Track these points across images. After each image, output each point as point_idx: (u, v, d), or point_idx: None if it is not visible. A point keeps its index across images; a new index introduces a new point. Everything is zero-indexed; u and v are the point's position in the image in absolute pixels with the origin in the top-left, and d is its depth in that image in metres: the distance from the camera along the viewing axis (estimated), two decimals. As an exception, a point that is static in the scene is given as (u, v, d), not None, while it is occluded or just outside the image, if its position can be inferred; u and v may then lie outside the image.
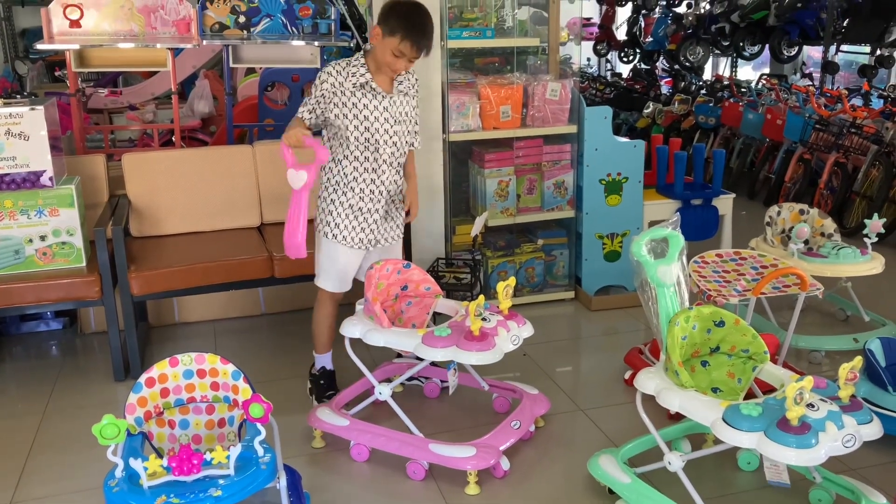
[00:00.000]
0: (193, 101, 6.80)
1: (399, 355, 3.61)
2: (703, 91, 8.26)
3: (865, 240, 3.81)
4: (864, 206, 5.80)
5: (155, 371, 2.54)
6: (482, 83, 4.22)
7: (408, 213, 3.35)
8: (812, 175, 6.31)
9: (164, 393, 2.56)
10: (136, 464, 2.18)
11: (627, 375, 3.61)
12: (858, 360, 2.37)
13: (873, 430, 2.31)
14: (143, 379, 2.52)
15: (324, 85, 3.08)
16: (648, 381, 2.61)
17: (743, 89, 8.03)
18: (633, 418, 3.31)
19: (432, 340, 2.79)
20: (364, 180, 3.18)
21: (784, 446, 2.20)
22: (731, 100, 7.53)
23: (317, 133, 3.20)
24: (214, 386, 2.60)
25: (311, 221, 3.12)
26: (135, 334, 3.70)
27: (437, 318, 3.22)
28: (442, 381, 3.49)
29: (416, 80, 3.29)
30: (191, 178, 4.18)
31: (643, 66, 10.74)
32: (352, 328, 3.00)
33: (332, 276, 3.29)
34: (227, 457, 2.22)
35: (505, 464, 2.87)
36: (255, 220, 4.31)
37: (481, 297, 2.83)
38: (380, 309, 2.93)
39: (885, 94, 7.05)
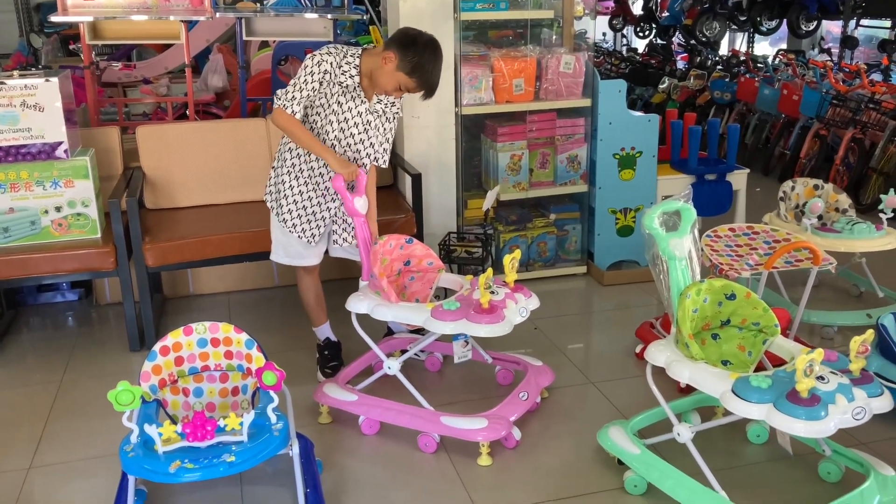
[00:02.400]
0: (207, 76, 6.80)
1: (389, 331, 3.63)
2: (719, 66, 8.17)
3: (881, 215, 3.78)
4: (880, 182, 5.75)
5: (169, 339, 2.58)
6: (495, 56, 4.20)
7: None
8: (828, 151, 6.25)
9: (179, 361, 2.60)
10: (150, 430, 2.21)
11: (639, 349, 3.61)
12: (870, 334, 2.36)
13: (884, 404, 2.31)
14: (157, 347, 2.55)
15: (321, 66, 3.00)
16: (659, 353, 2.62)
17: (759, 65, 7.95)
18: (644, 391, 3.32)
19: (442, 314, 2.80)
20: (324, 176, 3.18)
21: (793, 418, 2.20)
22: (748, 75, 7.45)
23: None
24: (228, 354, 2.63)
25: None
26: (150, 305, 3.74)
27: (440, 292, 3.24)
28: (443, 355, 3.52)
29: (400, 106, 3.26)
30: (205, 150, 4.19)
31: (659, 41, 10.64)
32: (358, 304, 3.01)
33: (281, 252, 3.35)
34: (241, 423, 2.26)
35: (517, 434, 2.89)
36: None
37: (490, 270, 2.84)
38: (387, 284, 2.94)
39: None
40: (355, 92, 3.08)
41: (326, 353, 3.46)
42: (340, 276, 4.40)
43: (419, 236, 4.04)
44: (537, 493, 2.67)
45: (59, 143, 3.59)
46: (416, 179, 3.98)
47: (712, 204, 4.86)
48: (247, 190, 4.26)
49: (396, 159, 4.31)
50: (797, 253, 3.33)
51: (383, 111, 3.19)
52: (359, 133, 3.15)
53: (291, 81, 3.04)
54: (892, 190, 3.83)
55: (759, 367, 2.68)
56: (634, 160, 4.51)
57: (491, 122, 4.39)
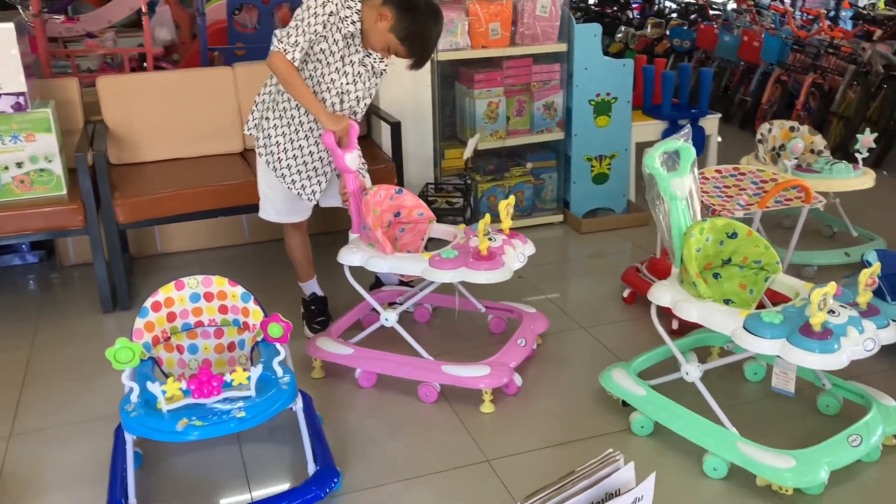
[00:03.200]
0: (154, 29, 6.50)
1: (378, 283, 3.55)
2: (676, 14, 8.16)
3: (857, 155, 3.82)
4: (841, 126, 5.84)
5: (160, 295, 2.46)
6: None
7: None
8: (789, 97, 6.31)
9: (171, 317, 2.48)
10: (153, 387, 2.11)
11: (626, 294, 3.61)
12: (877, 267, 2.38)
13: (891, 335, 2.34)
14: (148, 303, 2.43)
15: (327, 7, 2.80)
16: (664, 293, 2.60)
17: (717, 11, 7.95)
18: (635, 334, 3.35)
19: (440, 263, 2.73)
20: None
21: (807, 352, 2.21)
22: (706, 23, 7.46)
23: None
24: (223, 309, 2.53)
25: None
26: (121, 264, 3.58)
27: (431, 243, 3.16)
28: (432, 307, 3.46)
29: (388, 63, 3.10)
30: (170, 102, 4.00)
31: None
32: (351, 256, 2.91)
33: (270, 209, 3.22)
34: (248, 378, 2.17)
35: (518, 380, 2.86)
36: (237, 145, 4.17)
37: (487, 216, 2.77)
38: (382, 235, 2.85)
39: (864, 12, 7.03)
40: (354, 41, 2.93)
41: (313, 307, 3.37)
42: (318, 231, 4.29)
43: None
44: (543, 438, 2.65)
45: (20, 94, 3.36)
46: (396, 128, 3.87)
47: (685, 149, 4.85)
48: (216, 142, 4.10)
49: (372, 108, 4.19)
50: (786, 192, 3.34)
51: (372, 66, 3.05)
52: (348, 83, 3.01)
53: (292, 23, 2.84)
54: (867, 130, 3.87)
55: (759, 306, 2.69)
56: (610, 106, 4.46)
57: (466, 68, 4.28)
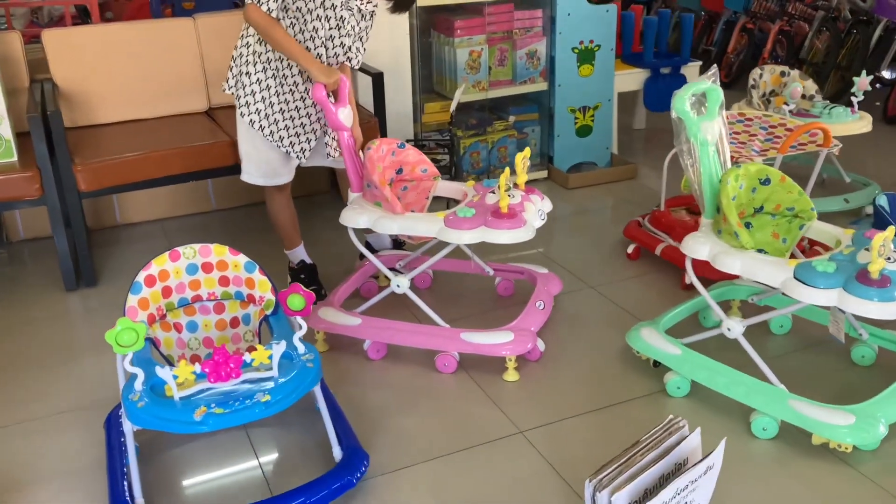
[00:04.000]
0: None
1: (369, 247, 3.28)
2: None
3: (853, 98, 3.72)
4: (811, 73, 5.77)
5: (154, 268, 2.18)
6: (450, -60, 3.81)
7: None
8: (755, 45, 6.22)
9: (167, 292, 2.21)
10: (163, 372, 1.85)
11: (631, 249, 3.45)
12: (930, 208, 2.26)
13: (945, 279, 2.23)
14: (141, 278, 2.15)
15: None
16: (700, 246, 2.43)
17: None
18: (645, 291, 3.20)
19: (457, 223, 2.51)
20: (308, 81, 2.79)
21: (866, 300, 2.08)
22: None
23: None
24: (223, 281, 2.26)
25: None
26: (85, 237, 3.24)
27: (435, 202, 2.94)
28: (433, 271, 3.23)
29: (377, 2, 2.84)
30: (126, 57, 3.63)
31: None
32: (356, 217, 2.66)
33: (257, 168, 2.93)
34: (270, 357, 1.92)
35: (541, 345, 2.68)
36: (201, 103, 3.83)
37: (507, 169, 2.56)
38: (391, 193, 2.61)
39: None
40: None
41: (303, 276, 3.11)
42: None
43: (383, 144, 3.69)
44: (574, 405, 2.47)
45: (-41, 48, 2.98)
46: (378, 79, 3.60)
47: (667, 98, 4.66)
48: (178, 101, 3.76)
49: (348, 60, 3.90)
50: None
51: (359, 8, 2.79)
52: (331, 28, 2.75)
53: None
54: (863, 72, 3.77)
55: (791, 255, 2.56)
56: (593, 54, 4.26)
57: (445, 16, 4.02)
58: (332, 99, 2.75)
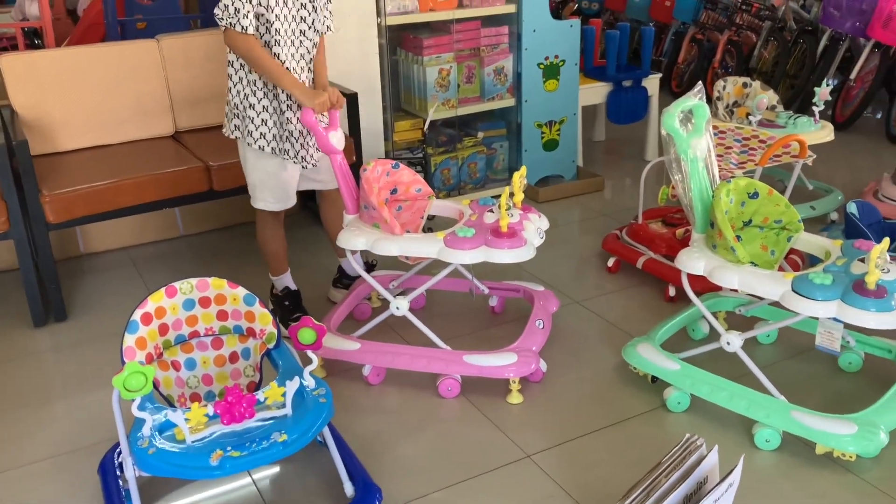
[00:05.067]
0: (24, 4, 5.81)
1: (342, 274, 3.26)
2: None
3: (814, 108, 3.83)
4: (763, 83, 5.91)
5: (150, 305, 2.10)
6: (417, -41, 3.79)
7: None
8: (705, 55, 6.35)
9: (163, 330, 2.13)
10: (175, 416, 1.78)
11: (611, 263, 3.47)
12: (917, 218, 2.32)
13: (935, 288, 2.29)
14: (137, 316, 2.07)
15: None
16: (695, 261, 2.46)
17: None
18: (629, 304, 3.23)
19: (458, 242, 2.49)
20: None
21: (864, 311, 2.13)
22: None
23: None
24: (222, 315, 2.19)
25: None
26: (54, 270, 3.11)
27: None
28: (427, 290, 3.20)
29: None
30: (88, 81, 3.51)
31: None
32: (354, 240, 2.62)
33: (271, 193, 2.86)
34: (284, 394, 1.86)
35: (543, 366, 2.67)
36: (167, 127, 3.72)
37: (507, 188, 2.55)
38: (389, 214, 2.58)
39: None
40: None
41: (287, 303, 3.04)
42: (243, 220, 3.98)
43: (357, 163, 3.64)
44: (578, 425, 2.47)
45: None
46: (352, 100, 3.56)
47: (630, 111, 4.79)
48: (145, 125, 3.65)
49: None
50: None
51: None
52: (299, 23, 2.71)
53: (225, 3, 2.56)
54: (824, 82, 3.88)
55: (779, 268, 2.60)
56: (558, 69, 4.30)
57: (413, 34, 4.00)
58: (324, 122, 2.71)
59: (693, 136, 2.48)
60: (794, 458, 2.29)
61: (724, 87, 4.07)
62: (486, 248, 2.48)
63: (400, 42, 4.10)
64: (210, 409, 1.80)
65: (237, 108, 2.75)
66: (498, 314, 3.12)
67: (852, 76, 5.36)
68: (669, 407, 2.51)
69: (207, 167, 3.32)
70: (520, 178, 2.59)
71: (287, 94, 2.69)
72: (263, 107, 2.72)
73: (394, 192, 2.83)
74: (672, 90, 6.44)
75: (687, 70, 6.44)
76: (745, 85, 4.10)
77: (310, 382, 1.97)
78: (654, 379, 2.60)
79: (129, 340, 2.03)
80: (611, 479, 2.22)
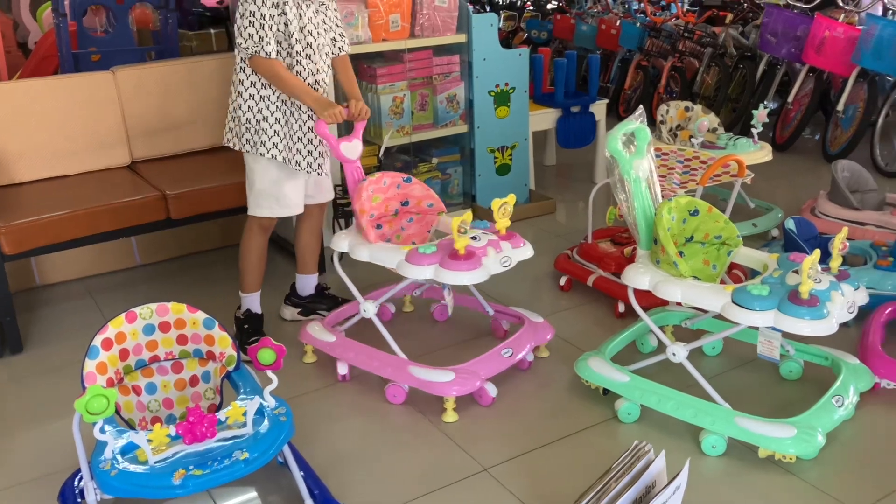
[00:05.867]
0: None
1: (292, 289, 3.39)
2: (531, 6, 8.31)
3: (753, 130, 4.01)
4: (705, 107, 6.13)
5: (110, 330, 2.13)
6: (369, -9, 3.90)
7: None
8: (651, 81, 6.57)
9: (124, 355, 2.16)
10: (137, 437, 1.82)
11: (563, 282, 3.58)
12: (845, 232, 2.46)
13: (863, 296, 2.43)
14: (98, 341, 2.10)
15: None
16: (640, 276, 2.57)
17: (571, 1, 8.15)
18: (582, 321, 3.33)
19: (416, 258, 2.59)
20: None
21: (799, 319, 2.25)
22: (561, 13, 7.63)
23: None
24: (181, 339, 2.24)
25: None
26: (10, 302, 3.11)
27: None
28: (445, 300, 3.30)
29: None
30: (43, 114, 3.52)
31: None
32: (340, 242, 2.85)
33: (274, 204, 2.97)
34: (244, 413, 1.91)
35: (492, 391, 2.71)
36: (124, 157, 3.75)
37: (467, 213, 2.65)
38: (366, 222, 2.75)
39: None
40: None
41: (247, 326, 3.08)
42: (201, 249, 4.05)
43: (313, 191, 3.71)
44: (533, 438, 2.54)
45: None
46: (307, 128, 3.62)
47: (579, 136, 4.93)
48: (100, 156, 3.68)
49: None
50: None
51: (327, 4, 2.96)
52: (318, 38, 2.90)
53: (243, 21, 2.73)
54: (761, 105, 4.06)
55: (721, 281, 2.72)
56: (508, 96, 4.43)
57: (367, 63, 4.09)
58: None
59: (635, 157, 2.60)
60: (738, 462, 2.39)
61: (668, 112, 4.24)
62: (439, 267, 2.56)
63: (355, 71, 4.18)
64: (172, 430, 1.84)
65: (249, 123, 2.88)
66: (500, 338, 3.13)
67: (790, 99, 5.60)
68: (620, 417, 2.61)
69: (164, 196, 3.35)
70: (499, 206, 2.66)
71: (300, 106, 2.88)
72: (276, 119, 2.87)
73: (405, 203, 2.99)
74: (620, 115, 6.64)
75: (633, 95, 6.65)
76: (687, 109, 4.27)
77: (270, 402, 2.02)
78: (606, 391, 2.70)
79: (90, 366, 2.06)
80: (566, 490, 2.29)
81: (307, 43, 2.83)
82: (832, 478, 2.32)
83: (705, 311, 2.80)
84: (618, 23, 6.78)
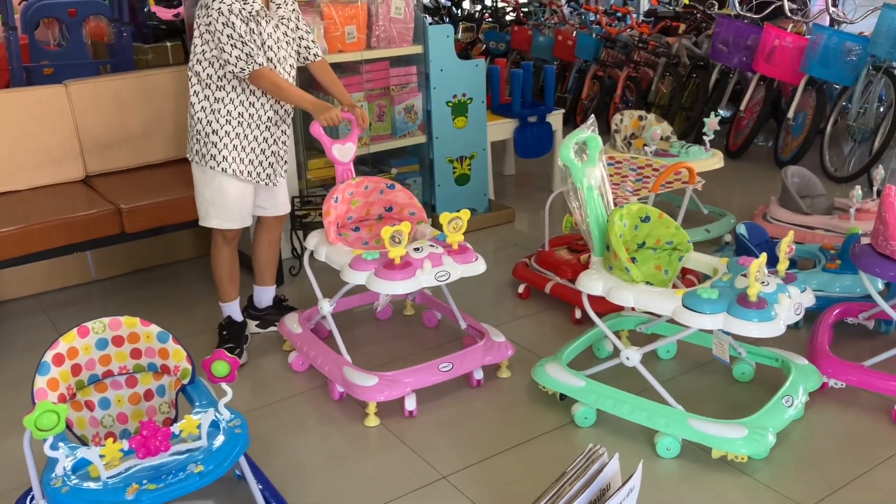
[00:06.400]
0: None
1: (249, 301, 3.40)
2: (489, 18, 8.37)
3: (704, 137, 4.09)
4: (658, 116, 6.23)
5: (62, 345, 2.11)
6: (325, 2, 3.91)
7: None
8: (607, 91, 6.66)
9: (76, 370, 2.14)
10: (89, 453, 1.80)
11: (521, 289, 3.61)
12: (791, 236, 2.52)
13: (810, 298, 2.49)
14: (49, 357, 2.08)
15: (232, 7, 2.74)
16: (594, 282, 2.60)
17: (526, 10, 8.21)
18: (540, 328, 3.36)
19: (358, 264, 2.64)
20: (264, 106, 2.94)
21: (748, 321, 2.30)
22: (519, 24, 7.71)
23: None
24: (135, 353, 2.22)
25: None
26: (-40, 319, 3.06)
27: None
28: (439, 314, 3.38)
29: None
30: (-7, 127, 3.48)
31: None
32: (311, 240, 2.94)
33: (224, 211, 2.98)
34: (199, 426, 1.90)
35: (409, 404, 2.69)
36: (77, 172, 3.71)
37: (405, 224, 2.60)
38: (329, 223, 2.81)
39: (667, 9, 7.55)
40: (263, 13, 2.84)
41: (224, 333, 3.13)
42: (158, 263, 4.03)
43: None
44: (491, 444, 2.56)
45: None
46: (264, 140, 3.62)
47: (536, 145, 4.98)
48: (54, 170, 3.64)
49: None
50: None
51: (287, 17, 2.97)
52: (279, 52, 2.93)
53: (224, 43, 2.76)
54: (712, 114, 4.15)
55: (673, 285, 2.77)
56: (466, 107, 4.46)
57: (323, 75, 4.10)
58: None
59: (587, 166, 2.65)
60: (692, 464, 2.43)
61: (622, 121, 4.31)
62: (372, 275, 2.59)
63: (311, 82, 4.19)
64: (125, 445, 1.82)
65: (199, 135, 2.91)
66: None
67: (742, 107, 5.72)
68: (577, 422, 2.64)
69: (119, 210, 3.32)
70: (449, 220, 2.67)
71: (269, 116, 2.95)
72: (226, 132, 2.89)
73: (389, 209, 3.02)
74: (577, 125, 6.67)
75: (590, 105, 6.73)
76: (640, 118, 4.34)
77: (225, 414, 2.01)
78: (563, 396, 2.73)
79: (41, 382, 2.03)
80: (525, 496, 2.30)
81: (267, 58, 2.86)
82: (783, 476, 2.37)
83: (658, 316, 2.85)
84: (574, 34, 6.87)
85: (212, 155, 2.89)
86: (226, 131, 2.88)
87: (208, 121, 2.88)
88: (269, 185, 3.05)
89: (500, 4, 8.97)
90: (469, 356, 2.84)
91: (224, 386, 2.02)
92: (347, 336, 2.98)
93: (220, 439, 1.94)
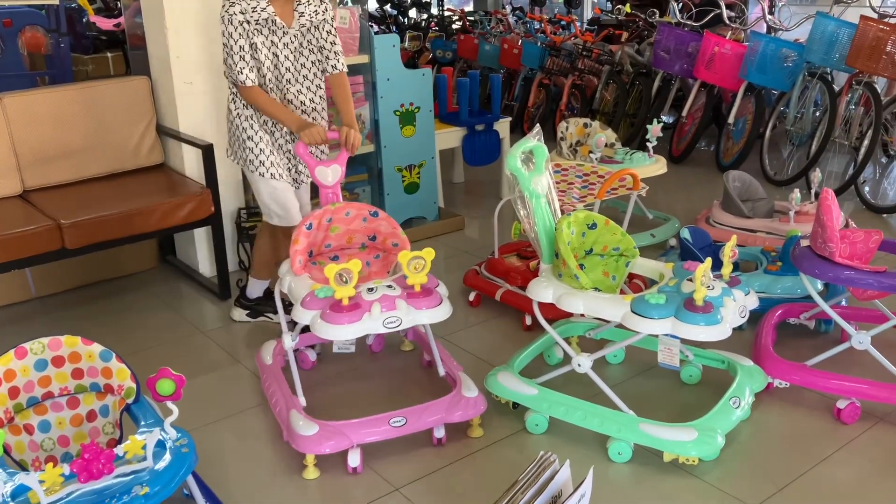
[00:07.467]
0: None
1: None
2: (436, 27, 8.39)
3: (648, 144, 4.16)
4: (603, 123, 6.32)
5: (-2, 368, 2.03)
6: (268, 13, 3.87)
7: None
8: (553, 98, 6.73)
9: (14, 393, 2.07)
10: (28, 479, 1.74)
11: (472, 297, 3.61)
12: (734, 240, 2.57)
13: (754, 300, 2.55)
14: (-15, 380, 2.00)
15: (234, 18, 2.88)
16: (543, 290, 2.61)
17: (472, 19, 8.26)
18: (491, 335, 3.37)
19: (309, 302, 2.47)
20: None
21: (695, 325, 2.33)
22: (465, 33, 7.74)
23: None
24: (77, 373, 2.16)
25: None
26: None
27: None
28: (427, 356, 3.09)
29: (326, 7, 3.10)
30: (-77, 143, 3.36)
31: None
32: (284, 266, 2.83)
33: (277, 209, 3.19)
34: (144, 447, 1.85)
35: (353, 460, 2.45)
36: (14, 187, 3.60)
37: (357, 262, 2.39)
38: (295, 250, 2.71)
39: (609, 17, 7.65)
40: (274, 25, 2.96)
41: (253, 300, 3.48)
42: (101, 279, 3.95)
43: (217, 215, 3.65)
44: (443, 455, 2.55)
45: None
46: (207, 151, 3.57)
47: (484, 154, 5.00)
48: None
49: (171, 133, 3.84)
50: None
51: (311, 24, 3.06)
52: (291, 65, 3.05)
53: (224, 51, 2.94)
54: (655, 120, 4.22)
55: (621, 291, 2.81)
56: (414, 116, 4.47)
57: (267, 85, 4.06)
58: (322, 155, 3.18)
59: (534, 174, 2.66)
60: (644, 468, 2.46)
61: (567, 128, 4.36)
62: (316, 315, 2.42)
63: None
64: (66, 469, 1.77)
65: (238, 140, 3.11)
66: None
67: (684, 114, 5.83)
68: (529, 429, 2.65)
69: (59, 225, 3.24)
70: (408, 260, 2.46)
71: (274, 124, 3.09)
72: (260, 137, 3.08)
73: (373, 238, 2.94)
74: (524, 132, 6.77)
75: (537, 113, 6.79)
76: (585, 125, 4.39)
77: (171, 433, 1.96)
78: (515, 405, 2.73)
79: (-23, 406, 1.96)
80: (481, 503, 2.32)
81: (279, 71, 3.00)
82: (732, 477, 2.41)
83: (607, 322, 2.88)
84: (520, 42, 6.93)
85: (250, 160, 3.09)
86: (260, 136, 3.07)
87: (243, 127, 3.07)
88: (296, 187, 3.23)
89: (447, 13, 9.02)
90: (428, 411, 2.55)
91: (169, 404, 1.97)
92: (326, 370, 2.88)
93: (166, 459, 1.89)
